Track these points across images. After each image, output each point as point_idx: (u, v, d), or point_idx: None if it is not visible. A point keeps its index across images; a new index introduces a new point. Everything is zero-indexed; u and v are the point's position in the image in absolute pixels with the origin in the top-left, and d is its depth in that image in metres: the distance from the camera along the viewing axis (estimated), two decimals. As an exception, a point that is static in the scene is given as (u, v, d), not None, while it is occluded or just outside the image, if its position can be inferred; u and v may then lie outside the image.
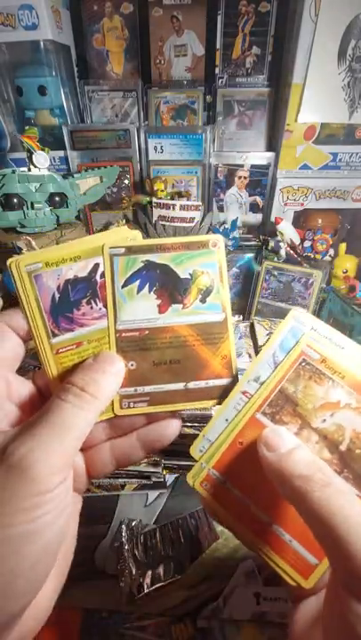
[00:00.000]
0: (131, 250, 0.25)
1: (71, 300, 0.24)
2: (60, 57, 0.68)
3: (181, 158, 0.73)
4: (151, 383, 0.25)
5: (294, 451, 0.20)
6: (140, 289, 0.25)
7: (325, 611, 0.19)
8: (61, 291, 0.24)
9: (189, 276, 0.25)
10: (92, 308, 0.25)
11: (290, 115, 0.67)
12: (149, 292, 0.25)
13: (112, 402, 0.24)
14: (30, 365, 0.52)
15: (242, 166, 0.75)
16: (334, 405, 0.22)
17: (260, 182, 0.76)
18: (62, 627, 0.36)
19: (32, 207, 0.57)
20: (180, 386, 0.25)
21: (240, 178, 0.76)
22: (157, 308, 0.25)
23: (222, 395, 0.25)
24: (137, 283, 0.25)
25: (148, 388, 0.25)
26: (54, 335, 0.24)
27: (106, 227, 0.78)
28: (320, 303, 0.74)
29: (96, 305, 0.25)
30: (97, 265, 0.25)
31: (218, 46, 0.71)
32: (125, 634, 0.36)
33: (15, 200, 0.56)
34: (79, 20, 0.70)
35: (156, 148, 0.72)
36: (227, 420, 0.24)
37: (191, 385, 0.25)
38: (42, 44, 0.63)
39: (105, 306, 0.25)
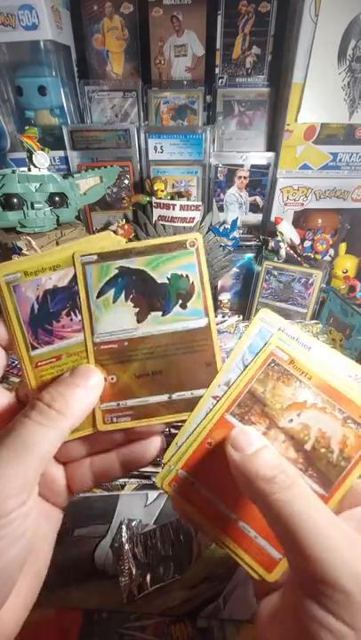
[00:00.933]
0: (103, 256, 0.23)
1: (50, 311, 0.23)
2: (60, 57, 0.68)
3: (181, 158, 0.73)
4: (134, 396, 0.23)
5: (260, 451, 0.20)
6: (115, 298, 0.23)
7: (282, 608, 0.19)
8: (40, 301, 0.23)
9: (167, 281, 0.23)
10: (71, 319, 0.23)
11: (290, 115, 0.67)
12: (126, 300, 0.23)
13: (94, 417, 0.23)
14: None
15: (242, 166, 0.75)
16: (301, 405, 0.22)
17: (260, 182, 0.76)
18: (62, 627, 0.36)
19: (32, 207, 0.57)
20: (163, 397, 0.23)
21: (240, 178, 0.76)
22: (135, 317, 0.23)
23: None
24: (112, 291, 0.23)
25: (130, 402, 0.23)
26: (33, 348, 0.23)
27: (106, 227, 0.78)
28: (320, 303, 0.74)
29: (76, 316, 0.23)
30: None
31: (218, 46, 0.71)
32: (125, 634, 0.36)
33: (15, 200, 0.56)
34: (79, 20, 0.70)
35: (156, 148, 0.72)
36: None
37: (175, 396, 0.24)
38: (42, 43, 0.63)
39: None
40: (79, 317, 0.24)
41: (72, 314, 0.23)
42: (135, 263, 0.23)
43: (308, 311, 0.74)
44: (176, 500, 0.23)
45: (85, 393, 0.22)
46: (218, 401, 0.23)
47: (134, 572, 0.39)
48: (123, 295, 0.23)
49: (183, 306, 0.23)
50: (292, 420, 0.22)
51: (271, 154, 0.73)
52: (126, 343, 0.23)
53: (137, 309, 0.23)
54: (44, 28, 0.61)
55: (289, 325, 0.23)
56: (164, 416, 0.24)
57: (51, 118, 0.71)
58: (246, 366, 0.23)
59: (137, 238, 0.73)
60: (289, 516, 0.17)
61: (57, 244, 0.61)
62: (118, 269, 0.23)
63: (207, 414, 0.23)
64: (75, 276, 0.23)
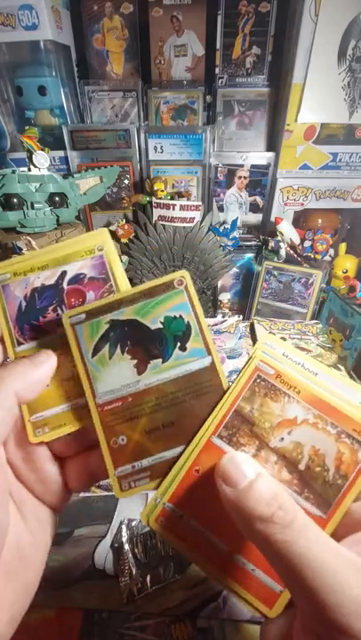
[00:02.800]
0: (91, 313, 0.23)
1: (37, 307, 0.24)
2: (60, 57, 0.68)
3: (181, 158, 0.73)
4: (148, 454, 0.22)
5: (254, 484, 0.18)
6: (111, 353, 0.22)
7: None
8: (28, 299, 0.24)
9: (161, 325, 0.22)
10: (57, 315, 0.24)
11: (290, 115, 0.67)
12: (122, 353, 0.22)
13: (112, 485, 0.22)
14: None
15: (242, 166, 0.75)
16: (291, 422, 0.21)
17: (260, 182, 0.76)
18: (62, 627, 0.36)
19: (32, 207, 0.57)
20: (179, 450, 0.22)
21: (240, 178, 0.76)
22: (135, 370, 0.22)
23: None
24: (107, 347, 0.22)
25: (146, 462, 0.22)
26: (19, 344, 0.24)
27: (106, 226, 0.78)
28: (320, 303, 0.74)
29: (62, 312, 0.24)
30: (64, 272, 0.24)
31: (218, 46, 0.71)
32: (125, 634, 0.36)
33: (15, 200, 0.56)
34: (79, 20, 0.70)
35: (156, 148, 0.72)
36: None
37: None
38: (42, 43, 0.63)
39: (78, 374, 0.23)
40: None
41: (59, 309, 0.24)
42: (125, 314, 0.23)
43: (308, 311, 0.74)
44: (165, 536, 0.21)
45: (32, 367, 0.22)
46: (203, 424, 0.22)
47: (134, 571, 0.39)
48: (118, 349, 0.22)
49: (182, 348, 0.22)
50: (283, 439, 0.21)
51: (271, 154, 0.73)
52: (130, 399, 0.22)
53: (135, 360, 0.22)
54: (44, 28, 0.61)
55: (294, 350, 0.22)
56: None
57: (51, 118, 0.71)
58: (230, 385, 0.22)
59: (137, 238, 0.73)
60: (292, 558, 0.16)
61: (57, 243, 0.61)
62: (109, 324, 0.23)
63: (192, 439, 0.22)
64: (62, 274, 0.24)
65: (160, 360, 0.22)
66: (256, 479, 0.18)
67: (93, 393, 0.22)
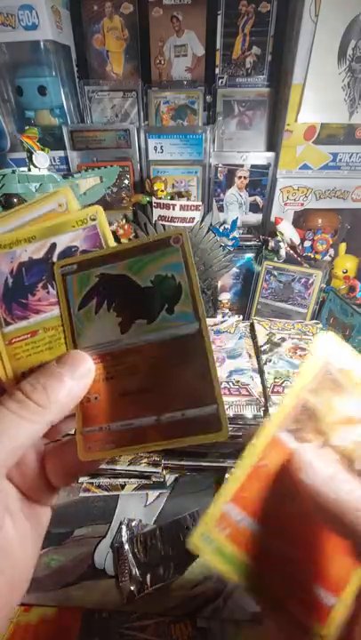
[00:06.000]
0: (82, 265, 0.22)
1: (25, 284, 0.22)
2: (60, 57, 0.68)
3: (181, 158, 0.73)
4: (117, 419, 0.20)
5: (337, 476, 0.17)
6: (97, 308, 0.21)
7: None
8: (15, 275, 0.22)
9: (151, 284, 0.21)
10: (48, 292, 0.22)
11: (290, 115, 0.67)
12: (108, 310, 0.21)
13: (76, 442, 0.21)
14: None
15: (242, 166, 0.75)
16: (354, 420, 0.20)
17: (260, 182, 0.76)
18: (62, 627, 0.36)
19: (32, 207, 0.57)
20: (150, 420, 0.20)
21: (240, 178, 0.76)
22: (119, 328, 0.21)
23: (203, 429, 0.19)
24: (94, 302, 0.21)
25: (114, 426, 0.20)
26: (7, 324, 0.22)
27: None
28: (320, 303, 0.74)
29: (53, 289, 0.22)
30: (54, 245, 0.22)
31: (218, 46, 0.71)
32: (125, 634, 0.36)
33: (15, 200, 0.56)
34: (79, 20, 0.70)
35: (156, 148, 0.72)
36: None
37: (164, 418, 0.20)
38: (42, 44, 0.63)
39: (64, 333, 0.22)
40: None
41: (49, 286, 0.22)
42: (117, 268, 0.21)
43: (308, 311, 0.74)
44: (231, 551, 0.18)
45: (71, 384, 0.19)
46: (268, 416, 0.21)
47: (134, 572, 0.39)
48: (105, 304, 0.21)
49: (170, 310, 0.21)
50: (345, 437, 0.19)
51: (271, 154, 0.73)
52: (109, 358, 0.21)
53: (120, 319, 0.21)
54: (44, 28, 0.61)
55: (351, 351, 0.20)
56: (152, 443, 0.20)
57: (51, 118, 0.71)
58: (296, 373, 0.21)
59: (137, 238, 0.73)
60: None
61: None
62: (99, 277, 0.22)
63: (257, 432, 0.19)
64: (51, 247, 0.22)
65: (145, 320, 0.21)
66: (338, 472, 0.18)
67: (75, 347, 0.22)
